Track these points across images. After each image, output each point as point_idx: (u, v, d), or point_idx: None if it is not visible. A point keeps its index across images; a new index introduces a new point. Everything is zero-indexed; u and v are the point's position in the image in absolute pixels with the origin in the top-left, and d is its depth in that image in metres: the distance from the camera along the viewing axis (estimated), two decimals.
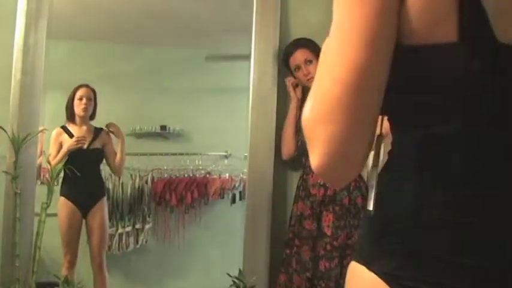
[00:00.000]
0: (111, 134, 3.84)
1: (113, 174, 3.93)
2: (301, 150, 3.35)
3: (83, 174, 3.55)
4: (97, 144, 3.77)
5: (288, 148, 3.44)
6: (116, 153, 3.83)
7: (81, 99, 3.72)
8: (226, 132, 4.25)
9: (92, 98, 3.76)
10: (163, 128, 4.21)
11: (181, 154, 4.24)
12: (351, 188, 3.15)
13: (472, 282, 0.91)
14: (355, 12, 0.85)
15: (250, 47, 3.47)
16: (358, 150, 0.89)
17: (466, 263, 0.91)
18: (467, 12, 0.86)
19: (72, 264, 3.63)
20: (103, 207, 3.79)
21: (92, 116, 3.78)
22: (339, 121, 0.85)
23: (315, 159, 0.89)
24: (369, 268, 1.00)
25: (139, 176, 4.11)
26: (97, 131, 3.80)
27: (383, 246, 0.99)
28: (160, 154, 4.18)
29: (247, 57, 3.54)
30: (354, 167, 0.91)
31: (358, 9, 0.85)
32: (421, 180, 0.95)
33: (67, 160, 3.52)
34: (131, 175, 4.09)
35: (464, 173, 0.92)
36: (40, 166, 3.44)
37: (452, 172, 0.92)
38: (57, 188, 3.50)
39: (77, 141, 3.64)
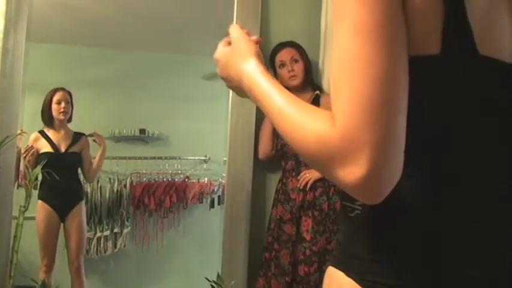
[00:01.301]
0: (93, 142, 3.84)
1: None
2: (281, 153, 3.36)
3: (61, 177, 3.53)
4: (75, 149, 3.75)
5: (265, 148, 3.42)
6: (91, 161, 3.82)
7: (59, 103, 3.70)
8: (205, 137, 4.26)
9: (69, 101, 3.75)
10: (142, 131, 4.22)
11: (160, 158, 4.25)
12: (330, 193, 3.17)
13: None
14: (374, 13, 0.84)
15: None
16: (402, 151, 0.83)
17: (453, 272, 0.92)
18: (452, 25, 0.88)
19: (49, 268, 3.60)
20: (81, 210, 3.77)
21: (69, 119, 3.77)
22: (384, 122, 0.81)
23: (361, 168, 0.80)
24: (348, 274, 1.00)
25: (118, 179, 4.10)
26: (76, 136, 3.78)
27: (363, 252, 0.99)
28: (139, 158, 4.18)
29: None
30: (400, 170, 0.83)
31: (377, 9, 0.84)
32: (408, 186, 0.96)
33: (45, 164, 3.50)
34: (110, 179, 4.09)
35: (449, 181, 0.94)
36: (18, 169, 3.41)
37: (437, 178, 0.94)
38: (35, 192, 3.48)
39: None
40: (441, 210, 0.93)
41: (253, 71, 1.07)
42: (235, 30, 1.21)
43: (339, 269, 1.03)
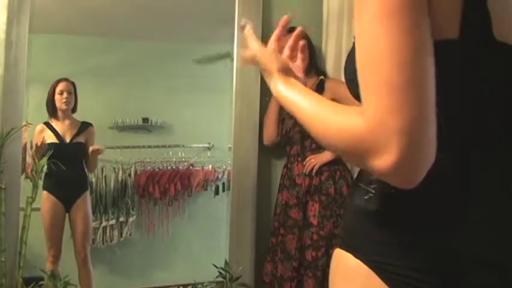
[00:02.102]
0: (98, 132, 3.85)
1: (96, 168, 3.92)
2: (286, 139, 3.37)
3: (65, 168, 3.53)
4: (81, 139, 3.75)
5: (270, 133, 3.44)
6: None
7: (61, 93, 3.70)
8: (208, 124, 4.27)
9: (73, 91, 3.74)
10: (145, 120, 4.21)
11: (164, 146, 4.25)
12: (336, 177, 3.19)
13: (465, 271, 0.94)
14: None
15: (233, 40, 3.47)
16: (434, 133, 0.83)
17: (463, 252, 0.93)
18: (471, 12, 0.90)
19: (56, 258, 3.61)
20: (86, 201, 3.78)
21: (74, 109, 3.77)
22: (414, 106, 0.80)
23: (393, 156, 0.80)
24: (356, 256, 1.02)
25: (123, 169, 4.10)
26: (83, 126, 3.79)
27: (372, 235, 1.01)
28: (143, 147, 4.17)
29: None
30: (433, 153, 0.83)
31: None
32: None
33: (50, 154, 3.50)
34: (114, 168, 4.09)
35: (465, 169, 0.96)
36: (24, 160, 3.42)
37: (453, 159, 0.95)
38: (40, 182, 3.49)
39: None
40: (450, 191, 0.95)
41: (279, 87, 1.15)
42: (253, 45, 1.28)
43: (347, 251, 1.05)
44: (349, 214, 1.13)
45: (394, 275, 0.96)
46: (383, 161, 0.81)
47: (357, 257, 1.02)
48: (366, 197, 1.04)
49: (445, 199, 0.95)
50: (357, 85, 0.92)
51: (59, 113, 3.71)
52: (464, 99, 0.89)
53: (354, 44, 1.10)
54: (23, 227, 3.12)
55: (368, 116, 0.83)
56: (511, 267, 0.94)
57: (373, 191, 1.03)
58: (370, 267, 0.99)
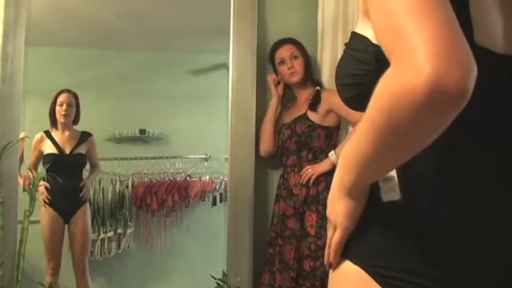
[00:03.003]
0: (98, 141, 3.86)
1: (93, 180, 3.92)
2: (282, 149, 3.38)
3: (65, 180, 3.54)
4: (81, 150, 3.76)
5: (266, 145, 3.45)
6: (95, 163, 3.86)
7: (61, 105, 3.71)
8: (205, 135, 4.28)
9: (73, 103, 3.75)
10: (142, 132, 4.22)
11: (161, 158, 4.25)
12: None
13: (466, 272, 0.94)
14: None
15: (229, 50, 3.49)
16: (464, 40, 0.79)
17: (465, 257, 0.94)
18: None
19: (55, 271, 3.62)
20: (85, 213, 3.78)
21: (75, 121, 3.78)
22: (435, 24, 0.78)
23: (427, 66, 0.75)
24: (354, 262, 1.03)
25: (120, 180, 4.11)
26: (83, 136, 3.80)
27: (369, 240, 1.03)
28: (140, 158, 4.18)
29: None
30: (469, 57, 0.78)
31: None
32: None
33: (49, 166, 3.51)
34: (111, 180, 4.09)
35: (466, 170, 0.97)
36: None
37: (444, 162, 0.97)
38: (39, 195, 3.50)
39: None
40: (450, 194, 0.96)
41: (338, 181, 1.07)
42: None
43: (346, 259, 1.07)
44: None
45: (393, 280, 0.96)
46: (422, 72, 0.75)
47: (355, 263, 1.03)
48: (386, 199, 1.03)
49: (446, 201, 0.96)
50: (350, 89, 0.93)
51: (59, 125, 3.72)
52: None
53: (344, 51, 1.12)
54: (21, 240, 3.11)
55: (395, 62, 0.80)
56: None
57: (369, 197, 1.04)
58: (368, 273, 0.99)
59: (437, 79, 0.74)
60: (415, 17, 0.79)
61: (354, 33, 1.08)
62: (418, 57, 0.75)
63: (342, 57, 1.13)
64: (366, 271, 1.00)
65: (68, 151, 3.71)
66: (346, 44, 1.13)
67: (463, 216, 0.95)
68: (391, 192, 1.00)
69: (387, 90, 0.80)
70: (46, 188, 3.56)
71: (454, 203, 0.96)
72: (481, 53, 0.92)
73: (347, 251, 1.07)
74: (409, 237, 0.97)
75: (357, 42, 1.06)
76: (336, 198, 1.08)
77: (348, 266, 1.05)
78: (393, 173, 1.00)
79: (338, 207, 1.08)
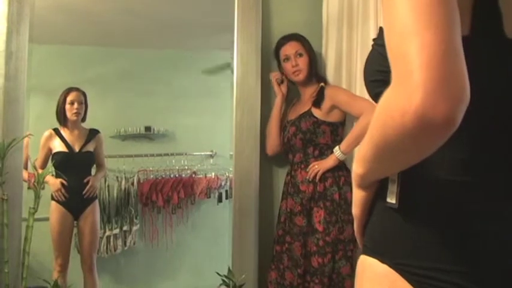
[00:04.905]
0: (105, 138, 3.88)
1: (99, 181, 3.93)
2: (287, 147, 3.37)
3: (74, 177, 3.56)
4: (90, 147, 3.76)
5: (273, 143, 3.45)
6: (101, 162, 3.87)
7: (72, 103, 3.71)
8: (210, 132, 4.28)
9: (83, 101, 3.75)
10: (147, 129, 4.22)
11: (167, 155, 4.25)
12: (341, 183, 3.17)
13: (487, 268, 0.93)
14: None
15: (233, 48, 3.48)
16: (462, 63, 0.79)
17: (492, 253, 0.93)
18: (481, 10, 0.91)
19: (63, 267, 3.62)
20: (94, 210, 3.79)
21: (83, 119, 3.78)
22: (436, 26, 0.78)
23: (420, 90, 0.77)
24: (382, 260, 1.02)
25: (125, 178, 4.11)
26: (92, 133, 3.80)
27: (396, 238, 1.02)
28: (146, 155, 4.18)
29: None
30: (465, 86, 0.79)
31: None
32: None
33: (59, 164, 3.52)
34: (117, 177, 4.09)
35: (483, 162, 0.96)
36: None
37: (471, 159, 0.96)
38: (47, 192, 3.50)
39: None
40: (476, 190, 0.95)
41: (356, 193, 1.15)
42: None
43: (372, 257, 1.06)
44: (371, 220, 1.13)
45: (421, 277, 0.96)
46: (413, 99, 0.77)
47: (382, 261, 1.02)
48: (388, 200, 1.04)
49: (472, 198, 0.95)
50: (377, 85, 0.92)
51: (69, 123, 3.71)
52: (475, 96, 0.88)
53: (372, 46, 1.11)
54: (26, 238, 3.11)
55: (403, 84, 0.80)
56: None
57: (395, 194, 1.03)
58: (396, 271, 0.99)
59: (424, 110, 0.76)
60: (418, 36, 0.79)
61: (381, 28, 1.06)
62: (413, 84, 0.77)
63: (370, 52, 1.13)
64: (394, 269, 0.99)
65: (77, 149, 3.71)
66: (374, 40, 1.13)
67: (492, 214, 0.94)
68: (392, 195, 1.02)
69: (384, 109, 0.83)
70: (63, 184, 3.57)
71: (481, 201, 0.95)
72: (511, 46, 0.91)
73: (373, 250, 1.07)
74: (435, 234, 0.96)
75: (383, 37, 1.04)
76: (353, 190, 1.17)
77: (375, 264, 1.04)
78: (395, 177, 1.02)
79: (353, 198, 1.17)
